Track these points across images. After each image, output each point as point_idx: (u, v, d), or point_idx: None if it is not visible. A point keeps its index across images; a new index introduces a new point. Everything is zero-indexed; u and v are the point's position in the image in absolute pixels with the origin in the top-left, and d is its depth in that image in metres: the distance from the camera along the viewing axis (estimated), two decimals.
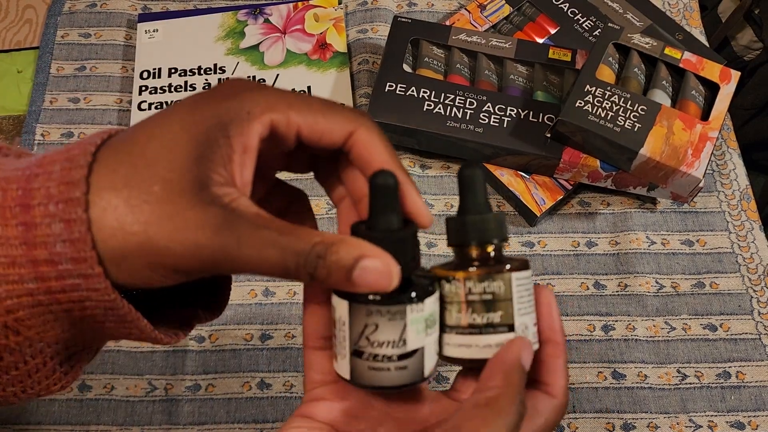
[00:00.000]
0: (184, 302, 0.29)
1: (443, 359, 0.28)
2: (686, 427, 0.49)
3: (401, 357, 0.26)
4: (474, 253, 0.28)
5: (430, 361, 0.26)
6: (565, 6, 0.64)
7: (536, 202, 0.55)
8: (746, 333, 0.52)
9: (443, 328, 0.27)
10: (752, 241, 0.56)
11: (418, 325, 0.26)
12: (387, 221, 0.25)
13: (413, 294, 0.26)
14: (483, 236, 0.27)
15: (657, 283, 0.54)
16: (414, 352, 0.26)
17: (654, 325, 0.52)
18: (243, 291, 0.53)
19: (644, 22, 0.63)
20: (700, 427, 0.49)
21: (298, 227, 0.23)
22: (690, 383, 0.50)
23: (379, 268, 0.23)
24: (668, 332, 0.52)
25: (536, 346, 0.27)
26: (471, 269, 0.27)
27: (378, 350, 0.26)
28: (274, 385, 0.50)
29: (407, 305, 0.25)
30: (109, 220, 0.22)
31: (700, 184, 0.51)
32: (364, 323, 0.26)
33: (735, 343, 0.52)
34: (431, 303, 0.26)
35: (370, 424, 0.28)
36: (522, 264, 0.27)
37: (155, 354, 0.51)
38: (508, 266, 0.27)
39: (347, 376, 0.27)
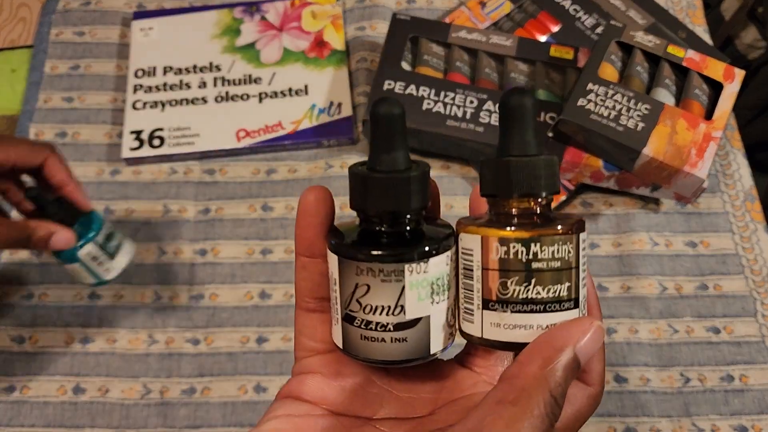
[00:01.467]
0: None
1: (482, 343, 0.22)
2: (689, 431, 0.48)
3: (398, 327, 0.21)
4: (516, 207, 0.22)
5: (438, 336, 0.22)
6: (567, 3, 0.63)
7: None
8: (750, 336, 0.51)
9: (484, 303, 0.21)
10: (756, 243, 0.55)
11: (420, 289, 0.21)
12: (390, 160, 0.21)
13: (415, 251, 0.21)
14: (532, 186, 0.21)
15: (660, 285, 0.53)
16: (415, 321, 0.21)
17: (657, 328, 0.52)
18: (239, 293, 0.53)
19: (647, 19, 0.62)
20: (703, 431, 0.48)
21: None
22: (693, 387, 0.50)
23: (65, 237, 0.41)
24: (671, 335, 0.51)
25: None
26: (527, 228, 0.21)
27: (371, 316, 0.21)
28: (271, 388, 0.49)
29: (405, 264, 0.21)
30: None
31: (704, 185, 0.51)
32: (355, 283, 0.21)
33: (738, 346, 0.51)
34: (440, 263, 0.21)
35: (369, 404, 0.24)
36: (581, 223, 0.21)
37: (150, 357, 0.50)
38: (571, 225, 0.21)
39: (339, 344, 0.23)
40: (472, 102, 0.55)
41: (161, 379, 0.49)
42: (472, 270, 0.22)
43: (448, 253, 0.22)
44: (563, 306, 0.21)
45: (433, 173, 0.58)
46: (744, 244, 0.55)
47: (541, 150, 0.22)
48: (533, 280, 0.21)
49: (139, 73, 0.61)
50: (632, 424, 0.48)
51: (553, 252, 0.21)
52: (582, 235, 0.21)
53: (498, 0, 0.63)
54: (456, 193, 0.57)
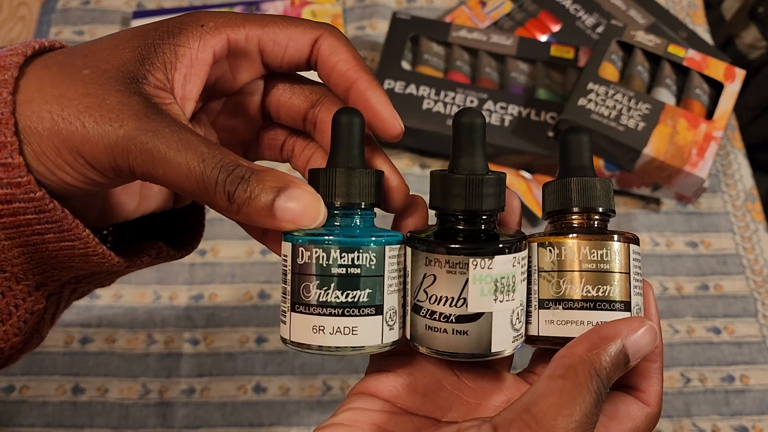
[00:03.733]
0: (149, 237, 0.28)
1: (539, 341, 0.24)
2: (690, 431, 0.48)
3: (460, 319, 0.22)
4: (578, 220, 0.24)
5: (500, 335, 0.22)
6: (567, 2, 0.63)
7: (538, 202, 0.54)
8: (750, 336, 0.51)
9: (540, 303, 0.23)
10: (757, 243, 0.55)
11: (483, 284, 0.22)
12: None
13: (480, 246, 0.22)
14: (589, 201, 0.23)
15: (661, 285, 0.53)
16: (476, 315, 0.22)
17: None
18: (239, 293, 0.53)
19: (647, 19, 0.62)
20: (704, 431, 0.48)
21: (227, 150, 0.22)
22: (694, 387, 0.50)
23: (305, 198, 0.22)
24: (672, 335, 0.51)
25: None
26: (579, 234, 0.23)
27: (435, 306, 0.22)
28: (270, 388, 0.49)
29: (470, 258, 0.22)
30: (33, 98, 0.21)
31: (705, 185, 0.51)
32: (423, 273, 0.23)
33: (739, 346, 0.51)
34: (505, 263, 0.22)
35: (439, 406, 0.25)
36: (635, 238, 0.24)
37: (149, 357, 0.50)
38: (623, 236, 0.23)
39: (407, 334, 0.24)
40: (472, 101, 0.55)
41: (160, 379, 0.49)
42: (529, 274, 0.24)
43: (517, 256, 0.23)
44: (613, 306, 0.23)
45: None
46: (745, 244, 0.55)
47: (596, 174, 0.24)
48: (582, 280, 0.23)
49: None
50: None
51: (601, 255, 0.23)
52: (635, 247, 0.24)
53: None
54: None
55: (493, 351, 0.23)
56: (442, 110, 0.55)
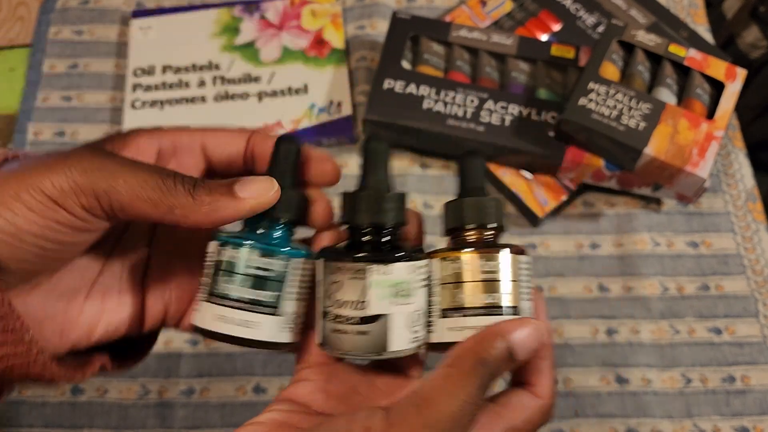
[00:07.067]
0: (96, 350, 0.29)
1: (442, 347, 0.26)
2: (690, 431, 0.48)
3: (362, 320, 0.25)
4: (472, 236, 0.27)
5: (397, 336, 0.25)
6: (568, 2, 0.63)
7: (539, 202, 0.54)
8: (751, 336, 0.51)
9: (442, 313, 0.26)
10: (758, 243, 0.55)
11: (382, 288, 0.25)
12: (374, 183, 0.27)
13: (380, 254, 0.25)
14: (482, 218, 0.27)
15: (662, 285, 0.53)
16: (376, 317, 0.25)
17: (659, 329, 0.51)
18: None
19: (648, 18, 0.62)
20: (704, 431, 0.48)
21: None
22: (695, 387, 0.49)
23: (256, 179, 0.25)
24: (673, 335, 0.51)
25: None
26: (473, 249, 0.26)
27: (340, 310, 0.25)
28: (270, 389, 0.49)
29: (371, 264, 0.25)
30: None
31: (706, 185, 0.50)
32: (332, 281, 0.26)
33: (740, 346, 0.51)
34: (402, 269, 0.25)
35: (351, 408, 0.27)
36: (522, 249, 0.27)
37: (149, 357, 0.50)
38: (512, 248, 0.26)
39: (318, 339, 0.26)
40: (472, 101, 0.55)
41: (160, 380, 0.49)
42: (433, 287, 0.27)
43: (413, 264, 0.26)
44: (504, 311, 0.25)
45: (433, 173, 0.58)
46: (746, 245, 0.55)
47: (487, 193, 0.28)
48: (473, 289, 0.25)
49: (138, 72, 0.61)
50: (634, 425, 0.48)
51: (491, 266, 0.25)
52: (522, 257, 0.26)
53: None
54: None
55: (390, 350, 0.25)
56: (442, 110, 0.55)
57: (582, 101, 0.51)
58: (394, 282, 0.25)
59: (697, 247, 0.55)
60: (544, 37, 0.61)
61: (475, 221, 0.27)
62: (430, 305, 0.26)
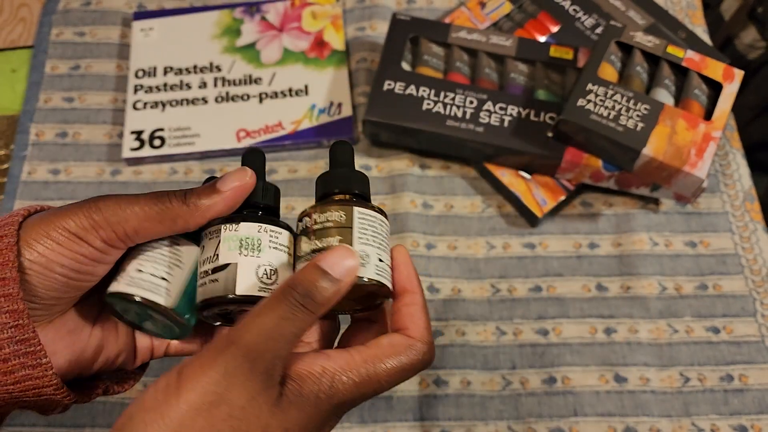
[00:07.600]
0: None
1: None
2: (689, 431, 0.48)
3: (214, 270, 0.28)
4: (336, 198, 0.30)
5: (245, 281, 0.28)
6: (566, 3, 0.63)
7: (537, 202, 0.55)
8: (749, 335, 0.52)
9: (297, 261, 0.29)
10: (756, 243, 0.55)
11: (230, 242, 0.28)
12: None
13: (230, 217, 0.29)
14: (342, 186, 0.30)
15: (660, 285, 0.53)
16: (225, 266, 0.28)
17: (657, 328, 0.52)
18: None
19: (646, 20, 0.62)
20: (703, 430, 0.48)
21: None
22: (693, 386, 0.50)
23: (233, 172, 0.29)
24: (671, 335, 0.51)
25: (389, 285, 0.29)
26: (316, 205, 0.30)
27: (202, 266, 0.29)
28: None
29: (222, 224, 0.29)
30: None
31: (704, 185, 0.51)
32: (203, 248, 0.30)
33: (738, 346, 0.51)
34: (250, 228, 0.29)
35: None
36: (369, 205, 0.30)
37: None
38: (348, 201, 0.29)
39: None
40: (471, 102, 0.55)
41: None
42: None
43: (264, 226, 0.29)
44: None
45: (432, 173, 0.58)
46: (743, 244, 0.55)
47: (352, 169, 0.31)
48: (313, 237, 0.29)
49: (140, 74, 0.61)
50: (632, 423, 0.48)
51: (327, 217, 0.29)
52: (361, 209, 0.29)
53: (498, 0, 0.64)
54: (456, 193, 0.57)
55: (238, 293, 0.28)
56: (441, 111, 0.55)
57: (580, 102, 0.51)
58: (241, 237, 0.29)
59: (695, 246, 0.55)
60: (542, 39, 0.61)
61: (338, 187, 0.30)
62: (295, 263, 0.29)
